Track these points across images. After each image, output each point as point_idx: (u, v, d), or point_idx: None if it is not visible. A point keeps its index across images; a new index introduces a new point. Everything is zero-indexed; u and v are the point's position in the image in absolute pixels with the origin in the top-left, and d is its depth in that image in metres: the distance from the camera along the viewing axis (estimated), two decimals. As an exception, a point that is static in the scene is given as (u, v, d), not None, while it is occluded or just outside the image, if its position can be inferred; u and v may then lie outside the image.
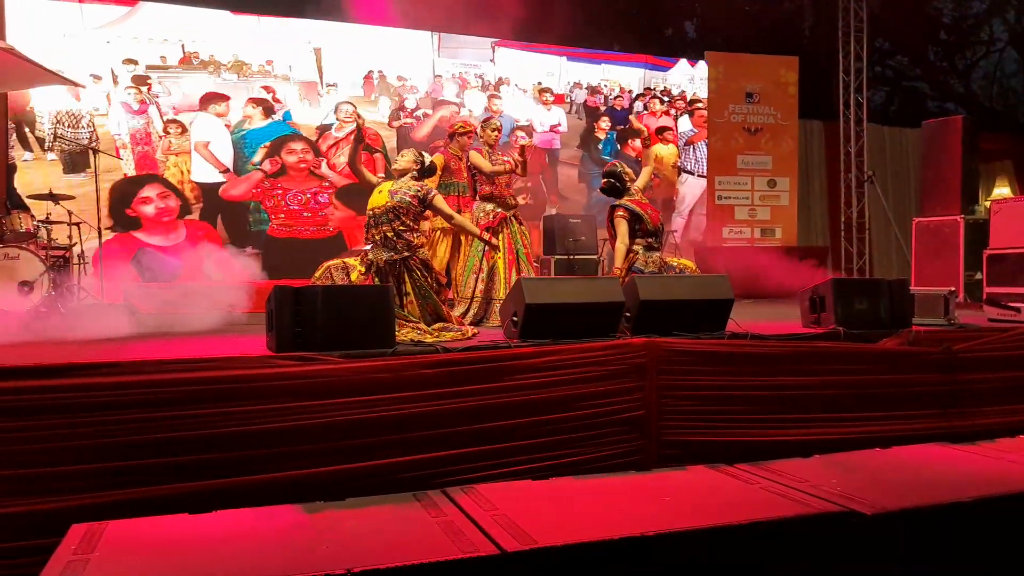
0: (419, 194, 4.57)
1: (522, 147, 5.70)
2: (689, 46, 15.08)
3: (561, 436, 3.49)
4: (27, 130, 7.53)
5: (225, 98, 8.25)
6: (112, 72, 7.82)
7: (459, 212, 5.58)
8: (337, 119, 8.71)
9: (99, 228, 5.98)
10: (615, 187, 5.21)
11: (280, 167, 8.41)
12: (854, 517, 2.78)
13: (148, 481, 2.83)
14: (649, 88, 10.49)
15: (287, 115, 8.50)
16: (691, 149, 10.62)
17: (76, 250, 5.91)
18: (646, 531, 2.55)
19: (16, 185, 7.12)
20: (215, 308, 5.08)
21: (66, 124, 7.64)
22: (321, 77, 8.69)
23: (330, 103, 8.72)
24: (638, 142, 10.17)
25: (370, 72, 8.94)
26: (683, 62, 10.81)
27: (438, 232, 5.81)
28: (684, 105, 10.63)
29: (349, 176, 8.63)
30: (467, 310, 5.32)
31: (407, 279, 4.45)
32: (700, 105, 10.59)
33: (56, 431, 2.77)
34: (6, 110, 7.36)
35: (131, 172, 7.86)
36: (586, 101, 10.11)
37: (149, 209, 7.92)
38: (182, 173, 8.06)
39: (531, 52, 9.84)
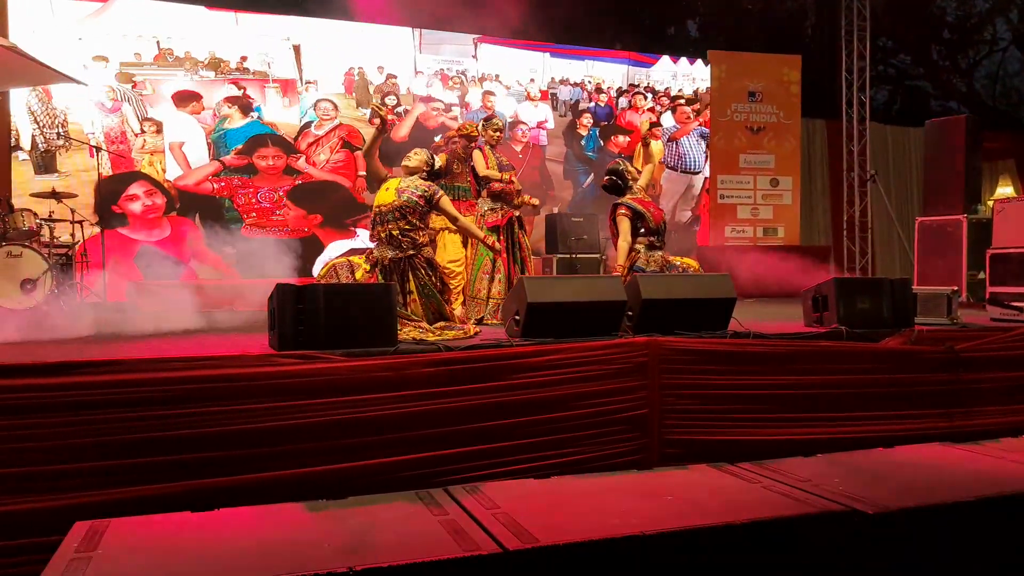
0: (426, 194, 4.56)
1: (523, 201, 5.63)
2: (692, 45, 15.08)
3: (563, 435, 3.49)
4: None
5: (199, 97, 8.12)
6: (84, 69, 7.61)
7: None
8: (317, 116, 8.61)
9: (101, 229, 5.98)
10: (617, 185, 5.20)
11: (247, 164, 8.26)
12: (856, 516, 2.78)
13: (151, 479, 2.83)
14: (633, 84, 10.48)
15: (258, 110, 8.33)
16: (673, 145, 10.62)
17: (79, 248, 5.92)
18: (648, 530, 2.55)
19: None
20: (215, 307, 5.08)
21: (43, 124, 7.50)
22: (300, 74, 8.60)
23: (309, 101, 8.61)
24: (622, 138, 10.20)
25: (351, 69, 8.84)
26: (665, 58, 10.78)
27: (444, 232, 5.76)
28: (668, 102, 10.63)
29: (332, 171, 8.60)
30: (482, 314, 5.23)
31: (411, 277, 4.44)
32: (682, 101, 10.62)
33: (59, 429, 2.77)
34: (8, 109, 7.35)
35: (107, 172, 7.64)
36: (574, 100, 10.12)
37: (136, 206, 7.84)
38: (157, 172, 7.95)
39: (514, 48, 9.77)
